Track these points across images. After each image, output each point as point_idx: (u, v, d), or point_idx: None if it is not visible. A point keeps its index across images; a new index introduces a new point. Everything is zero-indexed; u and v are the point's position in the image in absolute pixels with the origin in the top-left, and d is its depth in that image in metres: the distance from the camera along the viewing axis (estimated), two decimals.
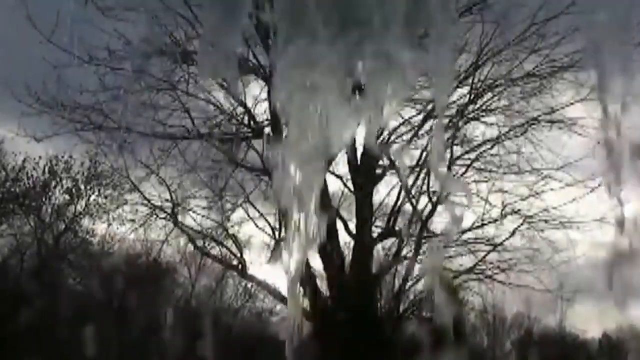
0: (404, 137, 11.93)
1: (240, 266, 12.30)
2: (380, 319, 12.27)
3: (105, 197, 18.55)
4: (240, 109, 11.48)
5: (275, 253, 11.78)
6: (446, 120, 10.83)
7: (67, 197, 19.97)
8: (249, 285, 21.24)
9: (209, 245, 12.97)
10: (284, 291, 12.25)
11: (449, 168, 11.52)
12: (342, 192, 12.02)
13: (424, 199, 11.72)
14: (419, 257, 12.21)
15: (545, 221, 11.98)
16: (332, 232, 11.21)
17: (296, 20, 1.62)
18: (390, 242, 12.16)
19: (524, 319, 27.74)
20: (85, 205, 19.87)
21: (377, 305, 12.40)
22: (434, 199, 11.29)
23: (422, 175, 11.68)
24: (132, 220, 13.19)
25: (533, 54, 11.22)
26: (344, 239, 11.65)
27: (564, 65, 11.16)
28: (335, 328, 10.84)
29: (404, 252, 12.09)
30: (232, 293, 23.46)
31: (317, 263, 11.13)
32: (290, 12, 1.63)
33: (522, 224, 12.08)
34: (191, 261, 20.82)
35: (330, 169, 11.67)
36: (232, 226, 12.44)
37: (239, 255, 12.21)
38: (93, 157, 16.84)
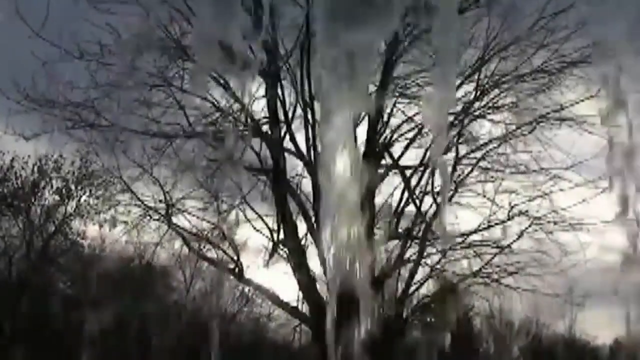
0: (407, 136, 11.95)
1: (237, 270, 12.31)
2: (383, 324, 12.28)
3: (97, 198, 18.56)
4: (237, 106, 11.49)
5: (272, 256, 11.80)
6: (451, 118, 10.84)
7: (57, 197, 20.00)
8: (246, 290, 21.26)
9: (204, 248, 12.97)
10: (282, 296, 12.29)
11: (454, 167, 11.55)
12: None
13: (428, 200, 11.74)
14: (423, 260, 12.24)
15: (554, 223, 11.98)
16: None
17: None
18: (393, 244, 12.18)
19: (532, 325, 27.77)
20: (76, 206, 19.90)
21: (379, 310, 12.41)
22: (439, 199, 11.30)
23: (426, 175, 11.70)
24: (125, 222, 13.19)
25: (541, 49, 11.24)
26: None
27: (574, 60, 11.18)
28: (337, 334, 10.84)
29: (407, 254, 12.11)
30: (228, 298, 23.45)
31: (317, 266, 11.15)
32: None
33: (530, 226, 12.09)
34: (186, 264, 20.82)
35: None
36: (228, 228, 12.44)
37: (235, 258, 12.22)
38: (84, 156, 16.96)
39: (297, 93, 11.31)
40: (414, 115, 11.88)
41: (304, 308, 11.89)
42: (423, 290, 13.31)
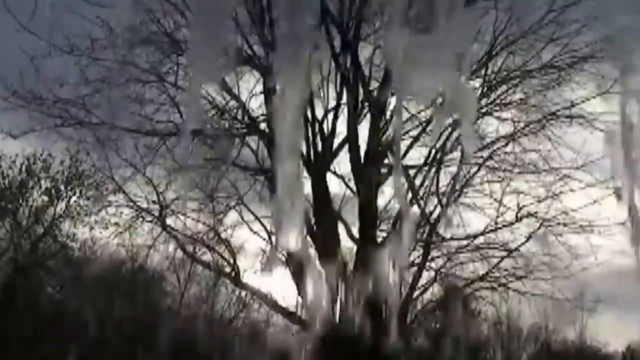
0: (411, 134, 11.95)
1: (233, 273, 12.31)
2: (385, 329, 12.27)
3: (87, 199, 18.55)
4: (233, 103, 11.49)
5: (271, 259, 11.79)
6: (456, 115, 10.84)
7: (45, 198, 19.96)
8: (243, 294, 21.23)
9: (199, 250, 12.98)
10: (280, 300, 12.29)
11: (460, 167, 11.55)
12: (344, 194, 12.03)
13: (432, 201, 11.74)
14: (427, 263, 12.24)
15: (564, 225, 11.99)
16: (333, 237, 11.22)
17: None
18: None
19: (541, 331, 27.73)
20: (66, 208, 19.86)
21: (382, 315, 12.41)
22: (444, 200, 11.31)
23: (430, 174, 11.70)
24: (116, 224, 13.23)
25: (551, 43, 11.25)
26: (347, 243, 11.66)
27: (585, 55, 11.19)
28: (338, 339, 10.85)
29: (410, 258, 12.10)
30: (224, 302, 23.44)
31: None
32: None
33: (538, 228, 12.09)
34: (180, 268, 20.82)
35: (332, 168, 11.70)
36: (224, 230, 12.46)
37: (232, 261, 12.22)
38: (74, 155, 16.95)
39: None
40: (418, 113, 11.88)
41: (303, 314, 11.90)
42: (427, 295, 13.33)
